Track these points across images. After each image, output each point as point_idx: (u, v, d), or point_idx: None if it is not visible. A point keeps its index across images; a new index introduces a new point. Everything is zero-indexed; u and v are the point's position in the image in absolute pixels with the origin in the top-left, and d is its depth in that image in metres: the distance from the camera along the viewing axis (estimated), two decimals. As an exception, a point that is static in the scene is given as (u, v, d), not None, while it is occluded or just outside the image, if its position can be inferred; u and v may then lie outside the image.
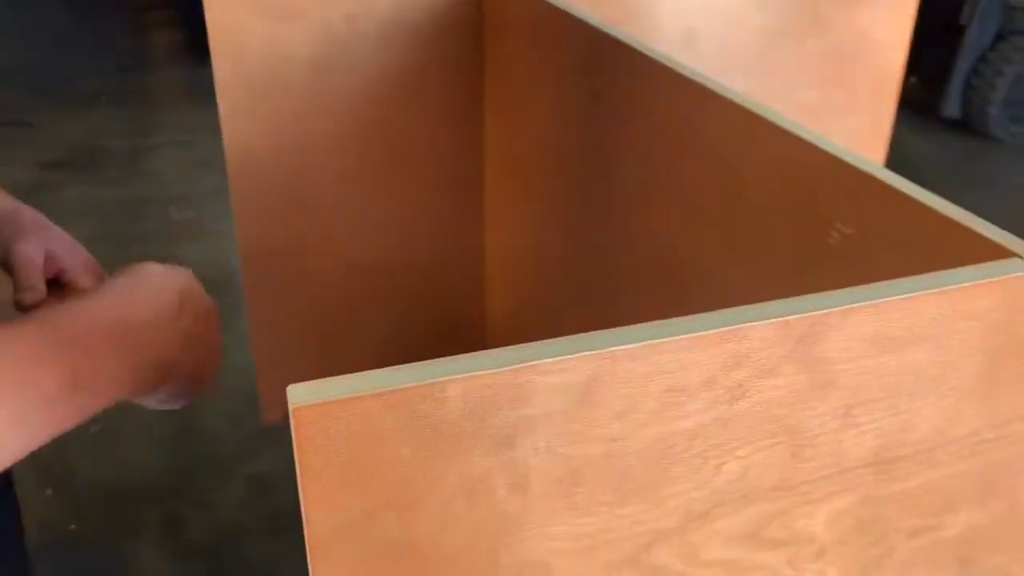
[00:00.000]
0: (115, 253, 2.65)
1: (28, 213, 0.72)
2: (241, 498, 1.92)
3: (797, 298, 0.39)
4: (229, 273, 2.70)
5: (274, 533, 1.82)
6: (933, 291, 0.41)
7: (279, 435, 2.03)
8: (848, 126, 1.29)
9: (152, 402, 0.61)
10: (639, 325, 0.37)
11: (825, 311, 0.39)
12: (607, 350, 0.36)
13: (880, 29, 1.28)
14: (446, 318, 1.27)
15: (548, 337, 0.36)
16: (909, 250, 0.54)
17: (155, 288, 0.59)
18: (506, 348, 0.35)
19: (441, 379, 0.34)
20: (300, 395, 0.33)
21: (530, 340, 0.36)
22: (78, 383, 0.51)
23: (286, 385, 1.12)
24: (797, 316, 0.38)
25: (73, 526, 1.87)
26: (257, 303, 1.13)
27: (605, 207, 0.91)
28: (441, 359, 0.35)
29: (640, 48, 0.78)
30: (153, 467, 2.02)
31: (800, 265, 0.62)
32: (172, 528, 1.85)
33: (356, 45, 1.02)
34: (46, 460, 2.05)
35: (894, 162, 1.29)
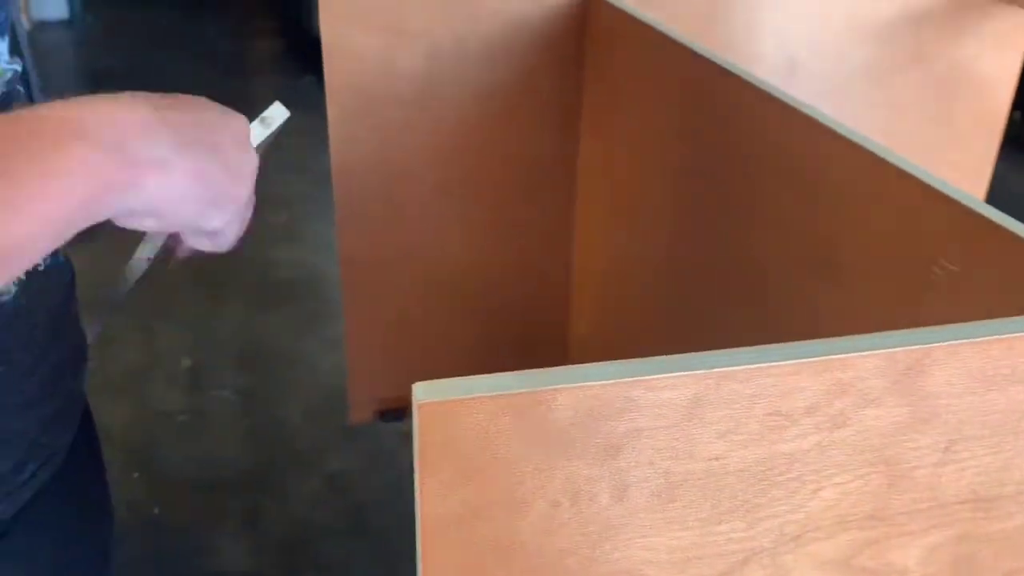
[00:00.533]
0: (210, 250, 2.76)
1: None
2: (318, 495, 1.98)
3: (903, 331, 0.40)
4: (319, 277, 2.78)
5: (349, 532, 1.87)
6: (1041, 332, 0.41)
7: (358, 436, 2.08)
8: (950, 160, 1.27)
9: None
10: (746, 348, 0.38)
11: (931, 345, 0.39)
12: (714, 370, 0.37)
13: (986, 63, 1.26)
14: (530, 333, 1.29)
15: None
16: (1014, 289, 0.54)
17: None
18: (616, 362, 0.37)
19: (553, 387, 0.36)
20: (424, 392, 0.35)
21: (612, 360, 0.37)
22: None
23: (375, 387, 1.17)
24: (903, 348, 0.39)
25: (156, 510, 1.95)
26: (353, 307, 1.17)
27: (699, 230, 0.91)
28: (554, 368, 0.36)
29: (742, 74, 0.79)
30: (235, 459, 2.09)
31: (901, 298, 0.62)
32: (250, 520, 1.92)
33: (461, 61, 1.05)
34: (134, 444, 2.14)
35: (995, 200, 1.26)
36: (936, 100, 1.23)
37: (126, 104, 0.49)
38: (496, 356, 1.26)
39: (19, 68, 0.65)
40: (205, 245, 0.56)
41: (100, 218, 0.47)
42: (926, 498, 0.43)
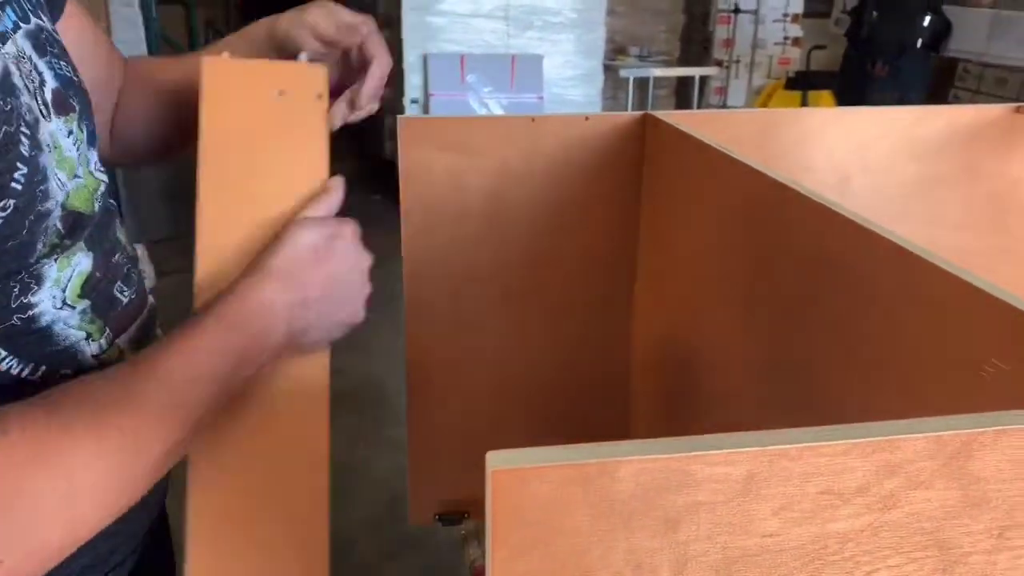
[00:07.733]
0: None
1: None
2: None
3: (950, 416, 0.42)
4: (378, 384, 2.84)
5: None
6: (1089, 422, 0.42)
7: (416, 543, 2.08)
8: (1009, 273, 1.28)
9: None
10: (799, 428, 0.41)
11: (978, 430, 0.41)
12: (769, 448, 0.40)
13: (1041, 179, 1.28)
14: (590, 436, 1.31)
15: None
16: (1067, 387, 0.55)
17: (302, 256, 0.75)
18: (676, 438, 0.40)
19: (616, 459, 0.39)
20: (498, 461, 0.38)
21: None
22: (244, 363, 0.62)
23: (434, 489, 1.20)
24: (950, 432, 0.41)
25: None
26: (416, 411, 1.21)
27: (752, 337, 0.94)
28: (619, 441, 0.40)
29: (792, 185, 0.83)
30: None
31: (952, 396, 0.64)
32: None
33: (527, 178, 1.12)
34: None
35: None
36: (989, 213, 1.25)
37: (284, 297, 0.70)
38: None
39: (107, 180, 0.75)
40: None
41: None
42: (983, 585, 0.44)
